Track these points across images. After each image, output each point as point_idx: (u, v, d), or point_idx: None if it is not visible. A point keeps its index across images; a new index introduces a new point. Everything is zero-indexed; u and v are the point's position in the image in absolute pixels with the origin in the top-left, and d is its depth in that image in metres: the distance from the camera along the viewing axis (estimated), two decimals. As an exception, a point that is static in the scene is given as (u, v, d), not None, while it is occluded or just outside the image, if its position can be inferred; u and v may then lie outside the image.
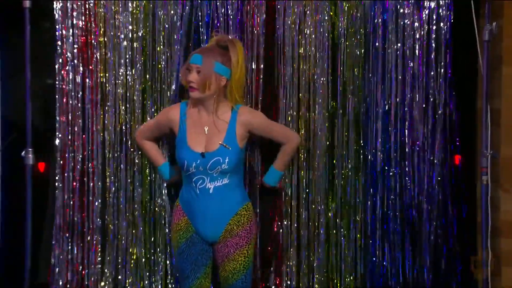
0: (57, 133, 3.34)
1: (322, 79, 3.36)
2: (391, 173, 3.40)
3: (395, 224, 3.39)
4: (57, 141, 3.35)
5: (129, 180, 3.39)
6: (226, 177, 2.93)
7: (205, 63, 2.89)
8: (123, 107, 3.35)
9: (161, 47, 3.36)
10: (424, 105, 3.37)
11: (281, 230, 3.39)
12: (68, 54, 3.31)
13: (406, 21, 3.36)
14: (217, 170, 2.91)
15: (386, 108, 3.36)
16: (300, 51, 3.34)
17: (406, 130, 3.37)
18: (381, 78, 3.35)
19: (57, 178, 3.36)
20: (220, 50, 2.95)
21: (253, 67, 3.32)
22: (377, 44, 3.38)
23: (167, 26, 3.35)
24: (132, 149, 3.39)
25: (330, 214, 3.44)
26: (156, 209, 3.40)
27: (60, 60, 3.31)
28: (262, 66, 3.34)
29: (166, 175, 3.26)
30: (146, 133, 3.18)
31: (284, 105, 3.35)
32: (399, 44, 3.37)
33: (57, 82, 3.32)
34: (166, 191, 3.38)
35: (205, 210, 2.94)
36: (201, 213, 2.95)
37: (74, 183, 3.35)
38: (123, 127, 3.36)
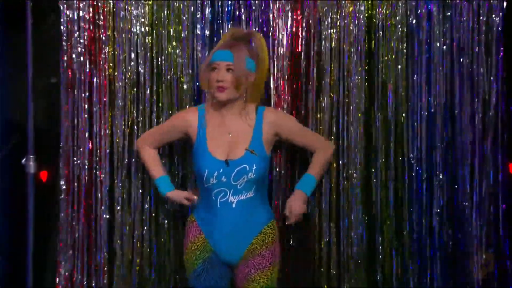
0: (61, 138, 3.24)
1: (357, 77, 3.20)
2: (436, 183, 3.20)
3: (441, 240, 3.21)
4: (61, 147, 3.25)
5: (140, 191, 3.26)
6: (251, 189, 2.75)
7: (237, 60, 2.75)
8: (135, 109, 3.24)
9: (178, 42, 3.23)
10: (473, 106, 3.19)
11: (316, 250, 3.25)
12: (74, 50, 3.22)
13: (453, 11, 3.20)
14: (243, 181, 2.73)
15: (432, 110, 3.19)
16: (332, 46, 3.19)
17: (454, 134, 3.20)
18: (425, 77, 3.19)
19: (61, 188, 3.27)
20: (244, 44, 2.83)
21: (278, 65, 3.19)
22: (420, 37, 3.19)
23: (184, 18, 3.21)
24: None
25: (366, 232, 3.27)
26: (171, 223, 3.28)
27: (65, 57, 3.21)
28: (287, 63, 3.19)
29: (165, 189, 3.03)
30: (150, 139, 3.02)
31: (314, 107, 3.20)
32: (445, 38, 3.19)
33: (61, 81, 3.23)
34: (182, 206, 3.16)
35: (226, 227, 2.76)
36: (221, 231, 2.77)
37: (80, 194, 3.25)
38: (134, 132, 3.24)
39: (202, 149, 2.80)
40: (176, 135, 2.97)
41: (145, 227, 3.25)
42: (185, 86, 3.22)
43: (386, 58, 3.20)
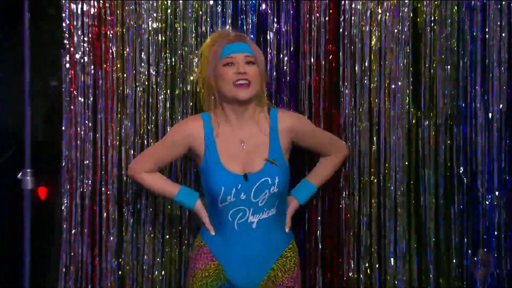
0: (63, 150, 3.16)
1: (400, 79, 3.11)
2: (495, 202, 3.06)
3: (502, 271, 3.07)
4: (62, 160, 3.17)
5: (150, 210, 3.17)
6: (273, 206, 2.63)
7: (256, 52, 2.67)
8: (145, 116, 3.16)
9: (194, 40, 3.15)
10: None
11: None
12: (77, 49, 3.15)
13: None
14: (264, 197, 2.60)
15: (489, 116, 3.07)
16: (371, 45, 3.11)
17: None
18: (480, 78, 3.07)
19: (63, 207, 3.18)
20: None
21: (311, 64, 3.10)
22: (474, 33, 3.07)
23: (201, 13, 3.14)
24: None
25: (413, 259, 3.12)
26: (184, 247, 3.19)
27: (67, 57, 3.14)
28: (322, 63, 3.10)
29: (191, 200, 2.82)
30: (147, 164, 2.80)
31: (352, 112, 3.12)
32: (503, 34, 3.05)
33: (63, 85, 3.16)
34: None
35: (244, 252, 2.65)
36: (239, 256, 2.65)
37: (84, 214, 3.17)
38: (145, 141, 3.15)
39: (215, 163, 2.65)
40: (178, 153, 2.76)
41: (157, 251, 3.19)
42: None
43: (434, 57, 3.11)
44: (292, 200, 2.82)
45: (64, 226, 3.15)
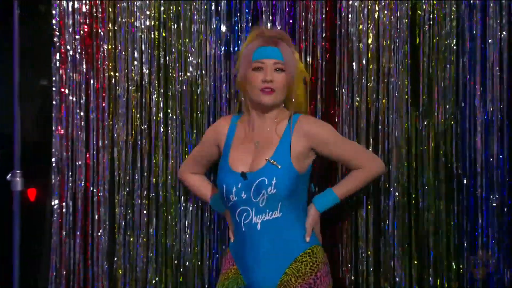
0: (53, 150, 3.16)
1: (399, 78, 3.07)
2: (495, 204, 3.03)
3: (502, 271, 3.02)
4: (53, 160, 3.17)
5: (144, 212, 3.16)
6: (277, 208, 2.59)
7: (288, 58, 2.66)
8: (138, 116, 3.16)
9: (190, 37, 3.15)
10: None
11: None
12: (68, 47, 3.15)
13: (513, 0, 3.05)
14: (263, 197, 2.58)
15: (487, 116, 3.04)
16: (369, 42, 3.08)
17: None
18: (480, 78, 3.04)
19: (53, 208, 3.18)
20: (285, 42, 2.74)
21: (307, 64, 3.09)
22: (474, 32, 3.04)
23: (195, 11, 3.12)
24: (149, 172, 3.18)
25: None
26: (182, 249, 3.16)
27: (58, 56, 3.15)
28: (321, 62, 3.09)
29: (221, 207, 2.89)
30: (190, 163, 2.96)
31: (349, 112, 3.09)
32: (504, 33, 3.01)
33: (53, 84, 3.16)
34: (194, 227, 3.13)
35: (253, 253, 2.62)
36: (250, 258, 2.63)
37: (76, 215, 3.18)
38: (138, 142, 3.16)
39: (224, 162, 2.69)
40: (212, 151, 2.86)
41: (150, 254, 3.17)
42: (198, 90, 3.16)
43: (433, 56, 3.08)
44: (311, 208, 2.77)
45: (55, 228, 3.15)
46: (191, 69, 3.12)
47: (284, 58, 2.64)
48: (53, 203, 3.15)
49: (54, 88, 3.13)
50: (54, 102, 3.13)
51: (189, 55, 3.12)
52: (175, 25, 3.11)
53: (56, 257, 3.14)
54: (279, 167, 2.58)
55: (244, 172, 2.61)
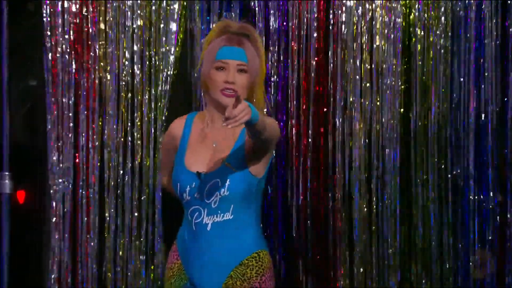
0: (43, 152, 3.16)
1: (392, 79, 3.11)
2: (490, 206, 3.08)
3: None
4: (42, 162, 3.18)
5: (135, 214, 3.19)
6: (229, 210, 2.59)
7: (251, 59, 2.63)
8: (129, 117, 3.19)
9: (181, 36, 3.19)
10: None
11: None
12: (58, 47, 3.16)
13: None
14: (216, 199, 2.57)
15: (482, 118, 3.09)
16: (362, 42, 3.13)
17: (509, 148, 3.13)
18: (474, 79, 3.10)
19: (43, 210, 3.22)
20: (248, 39, 2.68)
21: (299, 63, 3.13)
22: (467, 33, 3.11)
23: (185, 12, 3.16)
24: (140, 173, 3.19)
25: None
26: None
27: (48, 55, 3.15)
28: (314, 62, 3.11)
29: None
30: (165, 172, 2.89)
31: (341, 112, 3.13)
32: (498, 33, 3.09)
33: (44, 84, 3.17)
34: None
35: (200, 253, 2.62)
36: (196, 257, 2.63)
37: (65, 218, 3.17)
38: (129, 143, 3.18)
39: (179, 160, 2.68)
40: (173, 158, 2.80)
41: (141, 257, 3.19)
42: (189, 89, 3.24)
43: (427, 56, 3.14)
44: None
45: (44, 230, 3.17)
46: (181, 69, 3.17)
47: (248, 60, 2.63)
48: (42, 205, 3.18)
49: (44, 89, 3.14)
50: (46, 103, 3.14)
51: (179, 54, 3.14)
52: (165, 25, 3.16)
53: (45, 259, 3.15)
54: (234, 169, 2.60)
55: (199, 172, 2.61)
